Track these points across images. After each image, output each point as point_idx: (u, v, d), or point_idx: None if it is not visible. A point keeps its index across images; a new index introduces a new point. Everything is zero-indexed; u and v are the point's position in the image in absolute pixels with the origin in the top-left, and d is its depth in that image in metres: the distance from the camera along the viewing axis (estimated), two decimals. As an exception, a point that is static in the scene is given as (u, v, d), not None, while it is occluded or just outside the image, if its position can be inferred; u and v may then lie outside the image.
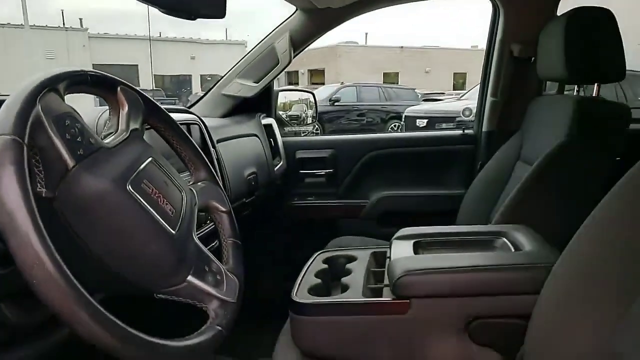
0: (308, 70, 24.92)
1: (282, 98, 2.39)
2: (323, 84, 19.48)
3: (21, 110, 0.55)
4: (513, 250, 1.04)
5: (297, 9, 1.81)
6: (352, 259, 1.18)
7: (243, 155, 1.69)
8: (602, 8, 1.32)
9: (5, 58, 18.89)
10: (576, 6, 1.36)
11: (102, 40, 22.97)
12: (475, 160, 1.96)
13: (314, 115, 2.41)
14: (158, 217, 0.69)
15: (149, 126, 0.85)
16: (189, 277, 0.73)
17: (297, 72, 25.56)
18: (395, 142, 2.07)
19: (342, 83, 13.20)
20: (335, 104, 11.73)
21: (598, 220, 0.75)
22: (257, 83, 1.88)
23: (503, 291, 0.91)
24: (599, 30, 1.31)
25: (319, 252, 1.25)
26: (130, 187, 0.66)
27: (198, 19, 0.92)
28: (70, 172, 0.60)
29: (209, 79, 22.57)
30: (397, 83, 20.28)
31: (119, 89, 0.76)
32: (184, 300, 0.72)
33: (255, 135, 1.84)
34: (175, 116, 1.29)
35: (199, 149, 0.91)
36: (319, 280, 1.07)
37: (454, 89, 20.03)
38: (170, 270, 0.70)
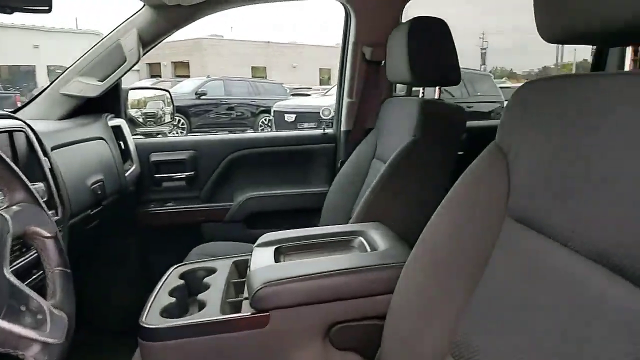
0: (172, 62, 23.75)
1: (136, 95, 2.22)
2: (188, 76, 18.75)
3: None
4: (369, 249, 1.08)
5: (144, 5, 1.67)
6: (211, 271, 1.12)
7: (86, 162, 1.52)
8: (437, 18, 1.44)
9: None
10: (416, 15, 1.46)
11: None
12: (337, 158, 2.02)
13: (172, 112, 2.27)
14: None
15: None
16: None
17: (159, 64, 24.21)
18: (258, 142, 2.04)
19: (208, 76, 12.81)
20: (202, 97, 11.38)
21: (445, 211, 0.80)
22: (102, 82, 1.70)
23: (360, 294, 0.93)
24: (436, 39, 1.43)
25: (175, 266, 1.17)
26: None
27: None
28: None
29: (58, 71, 20.27)
30: (266, 78, 20.33)
31: None
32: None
33: (102, 139, 1.67)
34: (-5, 122, 1.12)
35: (12, 165, 0.77)
36: (172, 299, 1.00)
37: (320, 84, 20.67)
38: None
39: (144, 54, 1.75)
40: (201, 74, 15.91)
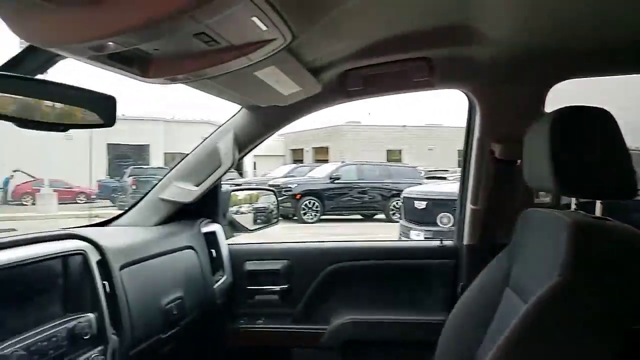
0: (312, 148, 25.21)
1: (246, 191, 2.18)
2: (327, 161, 19.56)
3: None
4: None
5: (241, 107, 1.58)
6: None
7: (164, 278, 1.38)
8: (599, 108, 1.04)
9: (24, 141, 19.30)
10: (565, 105, 1.09)
11: (118, 121, 23.54)
12: (457, 278, 1.63)
13: (277, 210, 2.14)
14: None
15: None
16: None
17: (302, 150, 25.87)
18: (362, 253, 1.76)
19: (343, 161, 13.17)
20: (336, 181, 11.67)
21: None
22: (197, 186, 1.61)
23: None
24: (595, 135, 1.02)
25: None
26: None
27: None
28: None
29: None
30: (401, 160, 20.30)
31: None
32: None
33: (190, 248, 1.54)
34: (44, 248, 1.01)
35: None
36: None
37: (458, 166, 19.90)
38: None
39: (241, 157, 1.65)
40: (339, 159, 16.50)
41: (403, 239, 6.38)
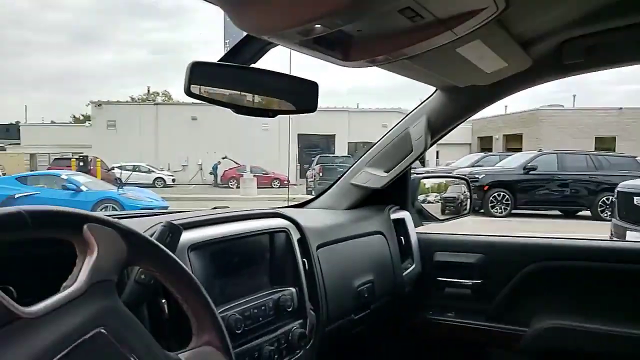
0: (504, 135, 23.42)
1: (432, 181, 2.09)
2: (520, 150, 17.97)
3: None
4: None
5: (436, 89, 1.51)
6: None
7: (356, 260, 1.41)
8: None
9: (230, 131, 22.33)
10: None
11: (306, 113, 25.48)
12: None
13: (470, 201, 2.01)
14: None
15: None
16: None
17: (491, 137, 24.26)
18: (571, 252, 1.53)
19: (540, 150, 11.91)
20: (531, 172, 10.61)
21: None
22: (387, 173, 1.60)
23: None
24: None
25: None
26: None
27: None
28: None
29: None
30: (614, 149, 17.50)
31: (85, 228, 0.57)
32: None
33: (380, 233, 1.55)
34: (253, 224, 1.11)
35: (207, 299, 0.67)
36: None
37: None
38: None
39: (433, 143, 1.58)
40: (534, 148, 15.00)
41: (615, 239, 5.50)
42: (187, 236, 0.89)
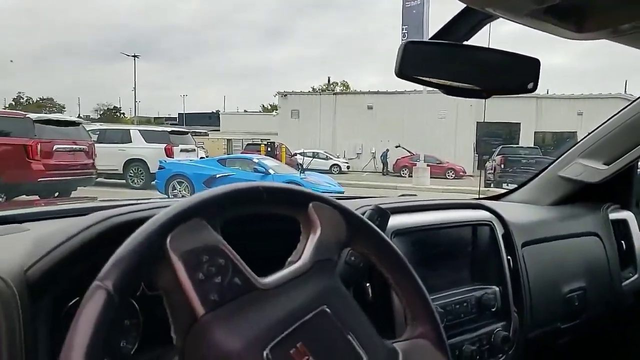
0: None
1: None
2: None
3: (139, 246, 0.46)
4: None
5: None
6: None
7: (565, 263, 1.25)
8: None
9: (404, 120, 22.26)
10: None
11: (488, 100, 23.88)
12: None
13: None
14: None
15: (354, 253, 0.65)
16: None
17: None
18: None
19: None
20: None
21: None
22: (608, 165, 1.37)
23: None
24: None
25: None
26: (268, 353, 0.48)
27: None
28: (198, 322, 0.47)
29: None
30: None
31: (310, 206, 0.58)
32: None
33: (595, 234, 1.34)
34: (455, 214, 1.05)
35: (423, 290, 0.63)
36: None
37: None
38: None
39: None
40: None
41: None
42: (391, 221, 0.87)
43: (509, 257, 1.07)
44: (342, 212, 0.60)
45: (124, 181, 12.00)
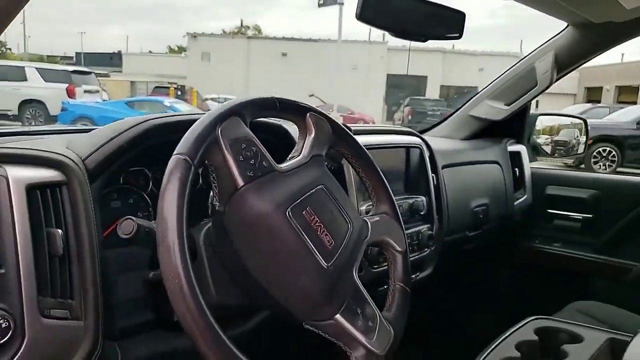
0: (616, 86, 21.33)
1: (549, 121, 2.09)
2: (634, 103, 16.38)
3: (200, 133, 0.61)
4: None
5: (567, 25, 1.52)
6: (576, 338, 0.92)
7: (474, 184, 1.54)
8: None
9: (318, 68, 22.36)
10: None
11: (398, 53, 24.79)
12: None
13: (585, 144, 2.02)
14: (312, 246, 0.67)
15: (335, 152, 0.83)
16: (337, 316, 0.68)
17: (600, 88, 22.21)
18: None
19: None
20: (649, 127, 9.71)
21: None
22: (508, 106, 1.67)
23: None
24: None
25: (534, 317, 1.03)
26: (290, 212, 0.66)
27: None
28: (238, 191, 0.63)
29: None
30: None
31: (308, 115, 0.77)
32: (330, 339, 0.69)
33: (496, 163, 1.65)
34: (393, 138, 1.28)
35: (384, 180, 0.85)
36: (517, 354, 0.88)
37: None
38: (316, 304, 0.68)
39: (557, 79, 1.61)
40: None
41: None
42: None
43: (433, 175, 1.33)
44: (329, 121, 0.79)
45: (19, 123, 11.02)
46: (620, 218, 1.62)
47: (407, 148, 1.30)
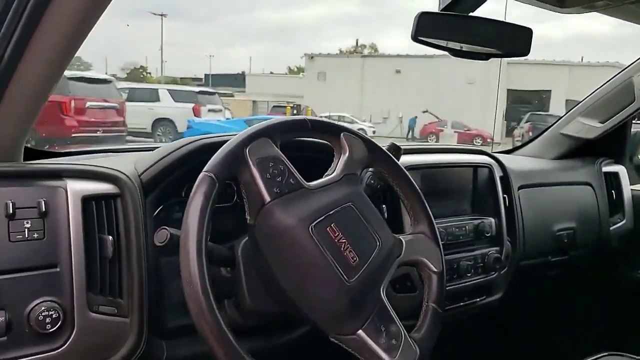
0: None
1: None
2: None
3: (227, 153, 0.69)
4: None
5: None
6: None
7: (557, 206, 1.45)
8: None
9: (432, 84, 21.95)
10: None
11: (518, 66, 23.33)
12: None
13: None
14: (334, 262, 0.71)
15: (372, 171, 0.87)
16: (360, 331, 0.71)
17: None
18: None
19: None
20: None
21: None
22: (603, 123, 1.55)
23: None
24: None
25: (608, 353, 0.96)
26: (312, 228, 0.71)
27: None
28: (265, 206, 0.70)
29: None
30: None
31: (342, 135, 0.81)
32: (354, 353, 0.71)
33: (588, 184, 1.54)
34: (461, 157, 1.27)
35: (423, 199, 0.86)
36: None
37: None
38: (337, 317, 0.71)
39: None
40: None
41: None
42: (405, 159, 1.09)
43: (505, 196, 1.28)
44: (364, 141, 0.83)
45: (152, 140, 12.35)
46: None
47: (475, 167, 1.27)
